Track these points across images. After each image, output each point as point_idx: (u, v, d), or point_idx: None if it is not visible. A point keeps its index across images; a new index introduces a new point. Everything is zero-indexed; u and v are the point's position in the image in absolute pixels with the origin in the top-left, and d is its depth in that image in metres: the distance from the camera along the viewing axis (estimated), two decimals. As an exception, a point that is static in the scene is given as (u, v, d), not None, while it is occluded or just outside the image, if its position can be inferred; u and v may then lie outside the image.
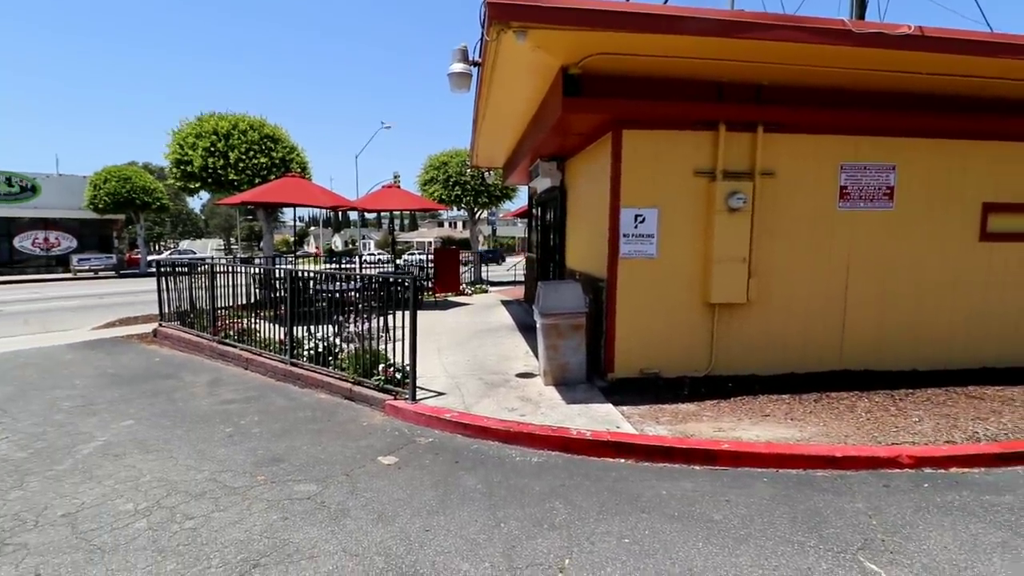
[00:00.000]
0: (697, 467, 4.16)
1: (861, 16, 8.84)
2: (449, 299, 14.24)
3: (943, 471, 4.09)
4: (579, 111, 5.56)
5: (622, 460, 4.29)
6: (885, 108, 5.86)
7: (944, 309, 6.36)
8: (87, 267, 26.59)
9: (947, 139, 6.15)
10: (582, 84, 5.41)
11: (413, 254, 38.83)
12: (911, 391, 5.73)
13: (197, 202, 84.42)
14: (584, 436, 4.46)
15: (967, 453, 4.19)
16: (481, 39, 5.05)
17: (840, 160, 6.07)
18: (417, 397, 5.43)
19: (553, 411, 5.16)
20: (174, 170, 16.25)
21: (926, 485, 3.87)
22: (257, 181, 15.81)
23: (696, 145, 5.85)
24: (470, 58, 6.01)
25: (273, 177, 15.88)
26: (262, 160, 16.23)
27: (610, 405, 5.31)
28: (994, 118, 6.04)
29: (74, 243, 28.77)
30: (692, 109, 5.69)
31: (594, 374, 6.20)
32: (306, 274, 7.54)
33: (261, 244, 16.83)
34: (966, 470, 4.10)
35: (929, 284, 6.33)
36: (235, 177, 15.90)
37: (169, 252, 43.83)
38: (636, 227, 5.87)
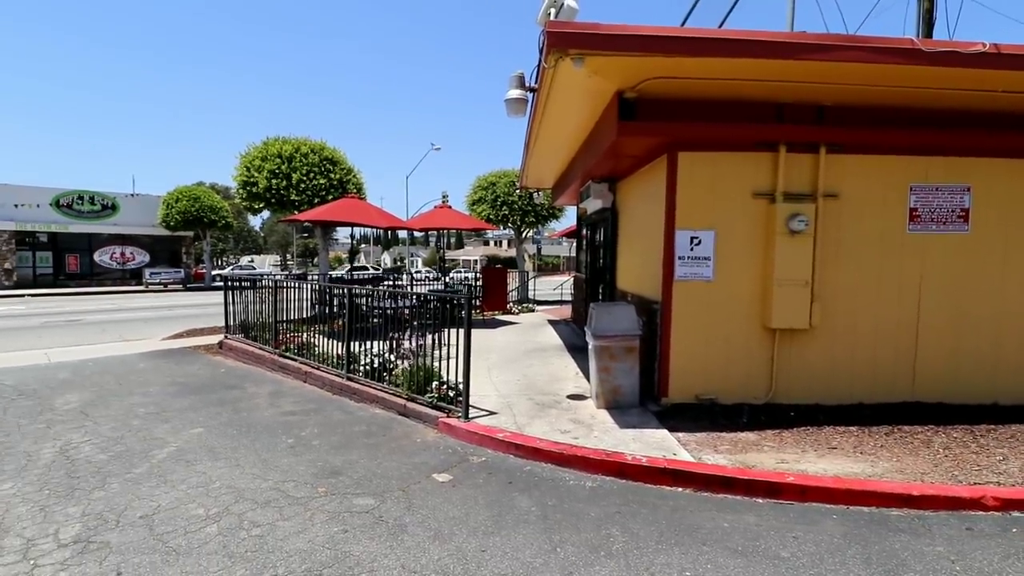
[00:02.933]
0: (760, 500, 4.01)
1: (928, 34, 8.50)
2: (497, 317, 14.35)
3: (1033, 516, 3.78)
4: (634, 135, 5.58)
5: (679, 489, 4.19)
6: (957, 127, 5.60)
7: (1029, 339, 5.93)
8: (158, 280, 28.33)
9: (1029, 159, 5.81)
10: (637, 108, 5.42)
11: (460, 271, 39.29)
12: (993, 427, 5.34)
13: (257, 220, 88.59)
14: (640, 462, 4.38)
15: (1061, 497, 3.86)
16: (538, 66, 5.16)
17: (909, 181, 5.82)
18: (469, 415, 5.48)
19: (607, 435, 5.09)
20: (240, 191, 17.22)
21: (1014, 530, 3.59)
22: (316, 201, 16.53)
23: (755, 167, 5.74)
24: (526, 84, 6.14)
25: (331, 197, 16.56)
26: (321, 181, 16.99)
27: (665, 431, 5.20)
28: (1082, 137, 5.67)
29: (147, 258, 30.74)
30: (750, 131, 5.61)
31: (647, 398, 6.10)
32: (363, 291, 7.79)
33: (316, 260, 17.49)
34: (1060, 516, 3.78)
35: (1010, 311, 5.93)
36: (296, 197, 16.69)
37: (231, 267, 46.03)
38: (692, 249, 5.79)
